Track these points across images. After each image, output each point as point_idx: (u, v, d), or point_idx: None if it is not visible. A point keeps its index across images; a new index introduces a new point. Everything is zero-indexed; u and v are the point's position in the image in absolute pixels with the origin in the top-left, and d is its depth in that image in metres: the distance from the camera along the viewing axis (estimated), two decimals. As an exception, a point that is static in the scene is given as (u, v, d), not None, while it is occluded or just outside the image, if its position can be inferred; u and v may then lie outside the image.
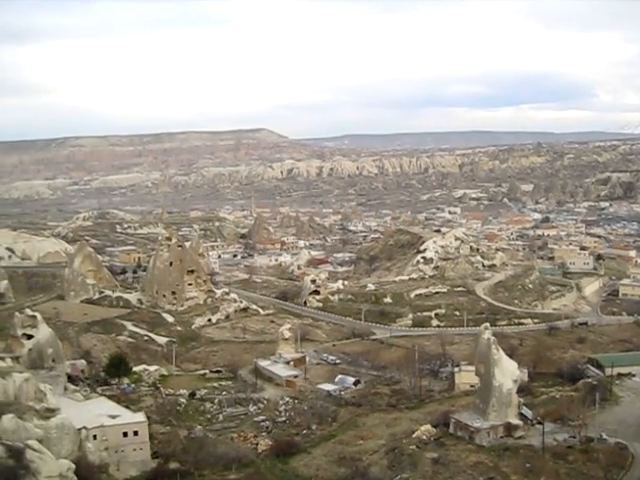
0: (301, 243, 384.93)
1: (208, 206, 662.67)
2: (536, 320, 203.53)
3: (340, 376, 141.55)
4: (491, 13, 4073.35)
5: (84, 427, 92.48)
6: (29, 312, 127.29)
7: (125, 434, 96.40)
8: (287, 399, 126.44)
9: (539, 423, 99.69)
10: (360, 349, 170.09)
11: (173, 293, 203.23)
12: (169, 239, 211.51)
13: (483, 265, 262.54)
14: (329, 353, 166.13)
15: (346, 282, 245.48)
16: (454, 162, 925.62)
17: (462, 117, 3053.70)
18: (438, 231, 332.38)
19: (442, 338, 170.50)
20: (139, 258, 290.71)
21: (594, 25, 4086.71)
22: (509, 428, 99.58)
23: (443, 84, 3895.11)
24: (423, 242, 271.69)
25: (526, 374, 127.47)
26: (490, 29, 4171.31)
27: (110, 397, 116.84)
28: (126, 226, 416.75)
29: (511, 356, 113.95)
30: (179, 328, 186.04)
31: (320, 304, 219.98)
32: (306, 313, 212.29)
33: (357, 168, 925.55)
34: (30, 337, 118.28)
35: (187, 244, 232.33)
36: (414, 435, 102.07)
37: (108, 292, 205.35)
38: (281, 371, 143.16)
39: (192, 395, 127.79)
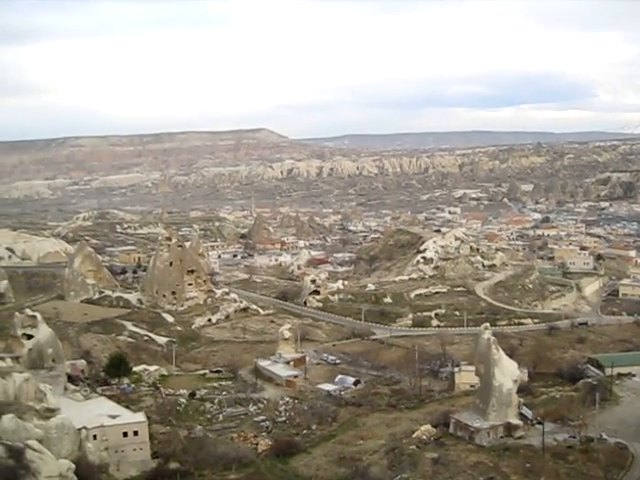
0: (301, 243, 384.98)
1: (208, 206, 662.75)
2: (536, 320, 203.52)
3: (340, 376, 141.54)
4: (491, 13, 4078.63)
5: (84, 427, 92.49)
6: (29, 312, 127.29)
7: (125, 434, 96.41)
8: (287, 399, 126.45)
9: (539, 423, 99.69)
10: (360, 349, 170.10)
11: (173, 293, 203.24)
12: (169, 239, 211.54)
13: (483, 265, 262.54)
14: (329, 353, 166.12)
15: (346, 282, 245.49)
16: (454, 162, 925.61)
17: (462, 117, 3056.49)
18: (438, 231, 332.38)
19: (442, 338, 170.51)
20: (139, 258, 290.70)
21: (594, 25, 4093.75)
22: (509, 428, 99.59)
23: (443, 84, 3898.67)
24: (423, 242, 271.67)
25: (526, 374, 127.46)
26: (490, 29, 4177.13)
27: (110, 397, 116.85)
28: (126, 226, 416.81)
29: (511, 356, 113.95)
30: (179, 328, 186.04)
31: (320, 304, 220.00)
32: (306, 313, 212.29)
33: (357, 168, 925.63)
34: (30, 337, 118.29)
35: (187, 244, 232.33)
36: (414, 435, 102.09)
37: (108, 292, 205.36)
38: (281, 371, 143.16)
39: (192, 395, 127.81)
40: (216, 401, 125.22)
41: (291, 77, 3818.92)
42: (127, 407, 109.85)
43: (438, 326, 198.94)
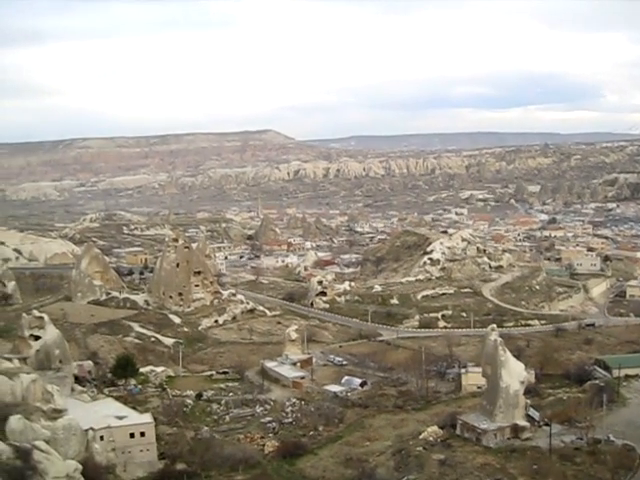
0: (308, 244, 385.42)
1: (215, 207, 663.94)
2: (543, 321, 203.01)
3: (347, 377, 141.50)
4: (495, 13, 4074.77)
5: (91, 428, 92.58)
6: (36, 313, 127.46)
7: (132, 435, 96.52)
8: (294, 400, 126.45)
9: (546, 425, 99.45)
10: (367, 350, 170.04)
11: (180, 294, 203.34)
12: (176, 240, 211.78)
13: (490, 266, 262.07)
14: (336, 354, 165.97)
15: (353, 283, 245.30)
16: (461, 163, 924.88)
17: (468, 118, 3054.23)
18: (445, 232, 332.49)
19: (449, 339, 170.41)
20: (146, 259, 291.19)
21: (597, 25, 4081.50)
22: (516, 430, 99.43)
23: (448, 85, 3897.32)
24: (430, 243, 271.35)
25: (533, 375, 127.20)
26: (494, 30, 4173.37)
27: (117, 398, 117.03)
28: (133, 227, 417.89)
29: (518, 357, 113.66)
30: (186, 329, 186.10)
31: (327, 305, 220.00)
32: (313, 314, 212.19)
33: (364, 169, 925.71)
34: (37, 338, 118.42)
35: (194, 245, 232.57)
36: (421, 436, 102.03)
37: (115, 293, 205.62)
38: (288, 372, 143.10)
39: (199, 396, 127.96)
40: (223, 402, 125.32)
41: (295, 78, 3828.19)
42: (134, 408, 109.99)
43: (445, 327, 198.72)
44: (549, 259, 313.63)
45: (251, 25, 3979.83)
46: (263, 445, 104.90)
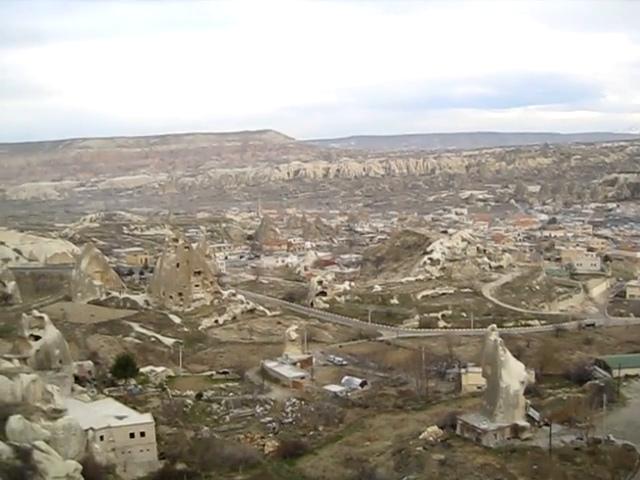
0: (308, 244, 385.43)
1: (215, 207, 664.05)
2: (543, 321, 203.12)
3: (347, 377, 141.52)
4: (496, 14, 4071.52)
5: (91, 428, 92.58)
6: (36, 313, 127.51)
7: (132, 435, 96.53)
8: (294, 400, 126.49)
9: (546, 425, 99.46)
10: (367, 350, 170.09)
11: (180, 294, 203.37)
12: (176, 240, 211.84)
13: (490, 266, 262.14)
14: (336, 354, 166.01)
15: (353, 283, 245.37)
16: (461, 163, 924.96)
17: (468, 118, 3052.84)
18: (445, 232, 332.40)
19: (449, 339, 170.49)
20: (146, 259, 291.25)
21: (598, 25, 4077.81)
22: (516, 430, 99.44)
23: (448, 85, 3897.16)
24: (430, 243, 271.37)
25: (533, 375, 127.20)
26: (495, 30, 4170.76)
27: (117, 398, 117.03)
28: (133, 227, 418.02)
29: (518, 357, 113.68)
30: (186, 329, 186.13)
31: (327, 305, 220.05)
32: (313, 314, 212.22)
33: (364, 169, 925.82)
34: (37, 338, 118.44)
35: (194, 245, 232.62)
36: (421, 436, 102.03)
37: (115, 293, 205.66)
38: (288, 372, 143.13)
39: (199, 396, 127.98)
40: (223, 402, 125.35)
41: (295, 78, 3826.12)
42: (134, 408, 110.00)
43: (445, 327, 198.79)
44: (549, 259, 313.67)
45: (251, 25, 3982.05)
46: (263, 445, 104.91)
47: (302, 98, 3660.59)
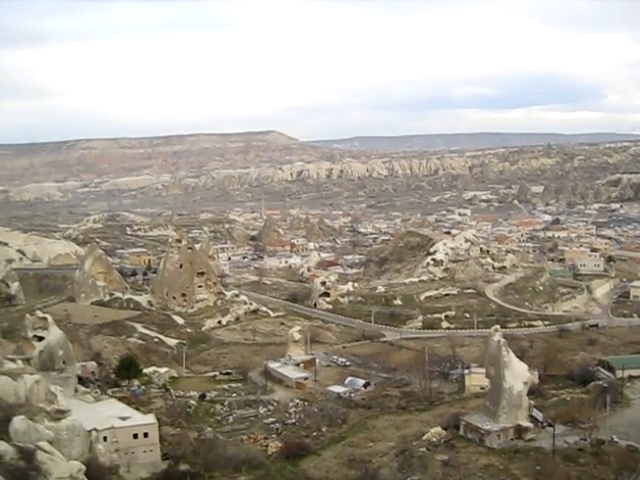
0: (311, 245, 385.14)
1: (218, 208, 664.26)
2: (546, 322, 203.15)
3: (350, 378, 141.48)
4: (497, 14, 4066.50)
5: (94, 429, 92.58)
6: (40, 314, 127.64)
7: (135, 436, 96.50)
8: (297, 401, 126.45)
9: (550, 425, 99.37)
10: (370, 351, 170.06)
11: (183, 295, 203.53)
12: (179, 241, 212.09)
13: (493, 267, 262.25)
14: (339, 355, 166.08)
15: (356, 284, 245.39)
16: (464, 164, 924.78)
17: (471, 119, 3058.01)
18: (448, 233, 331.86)
19: (452, 340, 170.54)
20: (149, 260, 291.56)
21: (599, 26, 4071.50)
22: (519, 430, 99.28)
23: (450, 86, 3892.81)
24: (433, 244, 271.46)
25: (536, 376, 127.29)
26: (497, 30, 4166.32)
27: (120, 399, 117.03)
28: (136, 228, 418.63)
29: (521, 358, 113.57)
30: (189, 330, 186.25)
31: (330, 306, 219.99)
32: (316, 315, 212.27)
33: (367, 170, 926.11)
34: (41, 339, 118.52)
35: (197, 246, 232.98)
36: (424, 437, 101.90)
37: (118, 294, 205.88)
38: (291, 373, 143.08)
39: (202, 397, 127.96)
40: (226, 403, 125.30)
41: (297, 79, 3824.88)
42: (137, 409, 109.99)
43: (448, 328, 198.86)
44: (552, 260, 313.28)
45: (253, 26, 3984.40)
46: (266, 446, 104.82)
47: (304, 99, 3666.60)
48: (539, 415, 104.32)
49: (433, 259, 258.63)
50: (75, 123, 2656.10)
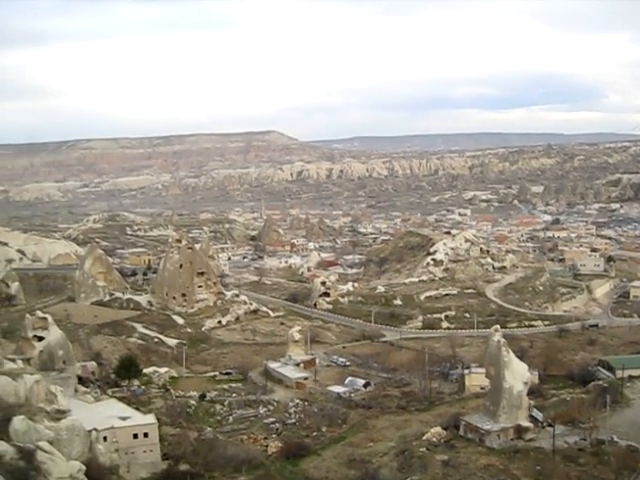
0: (311, 245, 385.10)
1: (218, 208, 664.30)
2: (546, 322, 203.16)
3: (350, 378, 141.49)
4: (497, 14, 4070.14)
5: (94, 429, 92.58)
6: (40, 314, 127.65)
7: (135, 436, 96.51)
8: (297, 401, 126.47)
9: (550, 425, 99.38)
10: (370, 351, 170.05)
11: (183, 295, 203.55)
12: (179, 241, 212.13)
13: (493, 267, 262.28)
14: (339, 355, 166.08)
15: (356, 284, 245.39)
16: (464, 164, 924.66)
17: (471, 119, 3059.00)
18: (448, 233, 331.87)
19: (452, 340, 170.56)
20: (149, 260, 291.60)
21: (598, 26, 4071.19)
22: (519, 430, 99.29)
23: (450, 86, 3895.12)
24: (433, 244, 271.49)
25: (536, 376, 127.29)
26: (497, 30, 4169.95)
27: (120, 399, 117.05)
28: (136, 228, 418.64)
29: (521, 358, 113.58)
30: (189, 330, 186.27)
31: (330, 306, 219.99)
32: (316, 315, 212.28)
33: (367, 170, 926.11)
34: (41, 339, 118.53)
35: (197, 246, 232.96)
36: (424, 437, 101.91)
37: (118, 294, 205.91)
38: (291, 373, 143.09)
39: (202, 397, 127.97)
40: (226, 403, 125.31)
41: (297, 79, 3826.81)
42: (137, 409, 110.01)
43: (448, 328, 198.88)
44: (552, 260, 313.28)
45: (253, 26, 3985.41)
46: (266, 446, 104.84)
47: (305, 99, 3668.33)
48: (539, 415, 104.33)
49: (433, 259, 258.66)
50: (75, 123, 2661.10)
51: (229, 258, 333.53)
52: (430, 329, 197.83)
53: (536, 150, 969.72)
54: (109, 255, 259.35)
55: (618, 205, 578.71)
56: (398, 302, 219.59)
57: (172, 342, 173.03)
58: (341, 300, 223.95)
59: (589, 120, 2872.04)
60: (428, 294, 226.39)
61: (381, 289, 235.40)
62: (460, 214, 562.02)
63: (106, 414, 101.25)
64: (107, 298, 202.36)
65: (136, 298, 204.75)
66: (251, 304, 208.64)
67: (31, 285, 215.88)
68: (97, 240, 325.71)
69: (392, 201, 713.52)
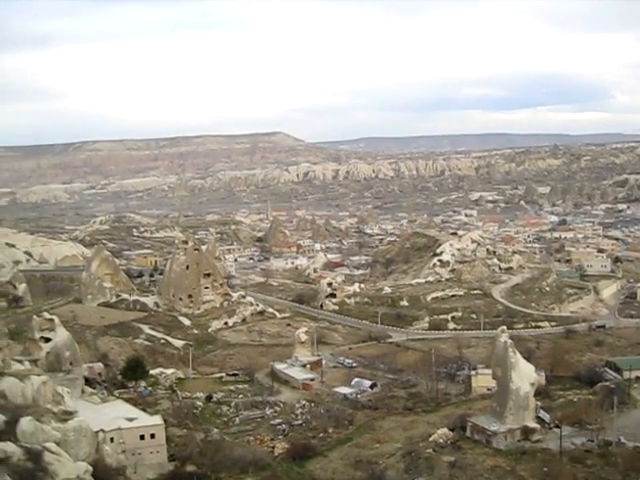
0: (317, 246, 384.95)
1: (224, 210, 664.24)
2: (553, 323, 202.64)
3: (356, 379, 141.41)
4: (503, 14, 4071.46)
5: (101, 430, 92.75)
6: (47, 315, 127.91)
7: (142, 437, 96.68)
8: (303, 402, 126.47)
9: (557, 427, 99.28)
10: (376, 352, 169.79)
11: (190, 296, 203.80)
12: (186, 242, 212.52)
13: (500, 268, 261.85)
14: (345, 356, 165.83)
15: (362, 285, 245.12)
16: (470, 165, 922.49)
17: (477, 119, 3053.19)
18: (455, 234, 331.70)
19: (459, 341, 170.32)
20: (156, 261, 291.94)
21: (603, 26, 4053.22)
22: (526, 432, 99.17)
23: (456, 86, 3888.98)
24: (439, 245, 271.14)
25: (543, 377, 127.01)
26: (502, 30, 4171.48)
27: (127, 400, 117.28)
28: (143, 230, 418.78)
29: (528, 359, 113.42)
30: (196, 331, 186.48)
31: (336, 307, 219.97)
32: (322, 316, 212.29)
33: (373, 171, 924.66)
34: (48, 340, 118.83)
35: (203, 247, 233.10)
36: (431, 439, 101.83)
37: (125, 295, 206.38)
38: (297, 374, 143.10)
39: (209, 398, 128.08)
40: (233, 404, 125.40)
41: (303, 80, 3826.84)
42: (144, 410, 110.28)
43: (455, 329, 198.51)
44: (559, 260, 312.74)
45: (259, 27, 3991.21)
46: (273, 447, 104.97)
47: (311, 100, 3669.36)
48: (546, 416, 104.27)
49: (439, 260, 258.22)
50: (81, 125, 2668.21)
51: (235, 259, 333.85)
52: (437, 330, 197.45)
53: (542, 151, 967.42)
54: (116, 256, 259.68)
55: (625, 206, 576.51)
56: (404, 303, 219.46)
57: (179, 343, 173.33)
58: (347, 301, 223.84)
59: (596, 120, 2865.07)
60: (434, 295, 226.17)
61: (387, 290, 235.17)
62: (466, 215, 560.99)
63: (113, 415, 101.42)
64: (114, 299, 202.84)
65: (143, 299, 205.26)
66: (257, 305, 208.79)
67: (38, 287, 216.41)
68: (104, 242, 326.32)
69: (398, 202, 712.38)
